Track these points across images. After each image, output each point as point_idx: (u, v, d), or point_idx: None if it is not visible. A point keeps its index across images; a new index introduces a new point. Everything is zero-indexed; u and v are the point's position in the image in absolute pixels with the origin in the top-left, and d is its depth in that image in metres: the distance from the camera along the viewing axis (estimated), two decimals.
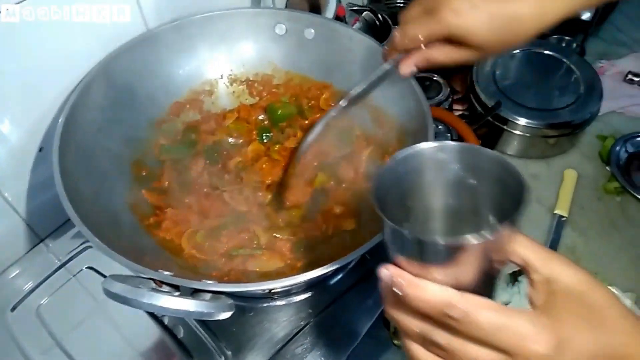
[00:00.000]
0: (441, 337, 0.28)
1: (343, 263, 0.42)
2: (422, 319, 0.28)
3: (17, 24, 0.49)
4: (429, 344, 0.28)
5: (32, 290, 0.59)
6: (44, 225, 0.64)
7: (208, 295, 0.42)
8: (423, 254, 0.28)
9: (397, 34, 0.48)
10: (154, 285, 0.43)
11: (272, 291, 0.53)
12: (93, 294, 0.58)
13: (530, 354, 0.26)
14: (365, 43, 0.62)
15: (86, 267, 0.60)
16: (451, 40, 0.45)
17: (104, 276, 0.59)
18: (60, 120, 0.51)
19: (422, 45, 0.47)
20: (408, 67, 0.49)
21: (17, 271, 0.61)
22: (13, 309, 0.57)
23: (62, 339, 0.55)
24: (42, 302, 0.58)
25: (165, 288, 0.43)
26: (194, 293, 0.43)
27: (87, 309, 0.57)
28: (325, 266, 0.41)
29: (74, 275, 0.59)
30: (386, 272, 0.29)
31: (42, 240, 0.64)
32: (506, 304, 0.70)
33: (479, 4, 0.43)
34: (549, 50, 0.94)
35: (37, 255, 0.62)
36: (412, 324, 0.29)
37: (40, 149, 0.59)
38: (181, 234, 0.55)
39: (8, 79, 0.52)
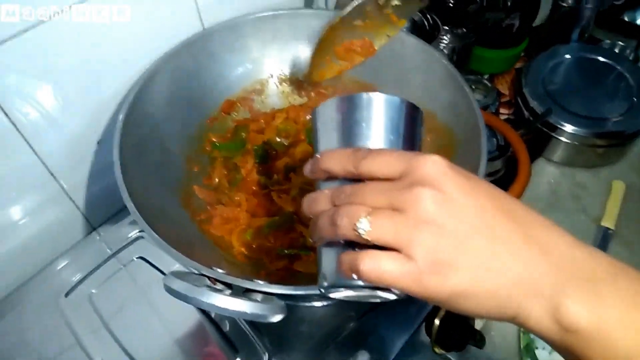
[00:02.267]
0: (346, 188, 0.29)
1: None
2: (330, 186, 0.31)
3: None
4: (336, 202, 0.30)
5: (84, 278, 0.61)
6: (97, 215, 0.66)
7: (259, 296, 0.43)
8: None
9: None
10: (208, 282, 0.44)
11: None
12: (142, 284, 0.60)
13: (426, 166, 0.27)
14: (417, 46, 0.62)
15: (137, 257, 0.62)
16: None
17: (154, 266, 0.60)
18: (120, 116, 0.53)
19: None
20: None
21: (71, 258, 0.63)
22: (67, 294, 0.60)
23: (112, 325, 0.57)
24: (93, 290, 0.60)
25: (219, 286, 0.44)
26: (246, 292, 0.44)
27: (136, 299, 0.59)
28: None
29: (125, 265, 0.61)
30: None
31: (94, 229, 0.66)
32: None
33: None
34: (601, 56, 0.92)
35: (89, 244, 0.64)
36: (324, 192, 0.31)
37: (98, 142, 0.61)
38: (231, 231, 0.56)
39: (69, 73, 0.54)
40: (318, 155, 0.32)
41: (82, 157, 0.61)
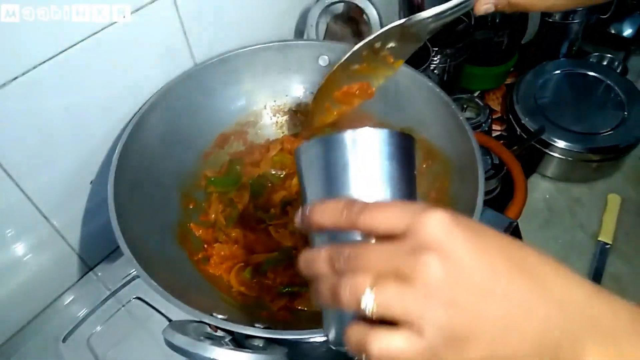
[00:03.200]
0: (345, 249, 0.27)
1: None
2: (328, 242, 0.30)
3: (65, 62, 0.50)
4: (336, 266, 0.28)
5: (82, 320, 0.60)
6: (92, 254, 0.66)
7: (262, 342, 0.43)
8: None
9: None
10: (208, 329, 0.43)
11: None
12: (143, 323, 0.59)
13: (430, 226, 0.26)
14: (407, 74, 0.61)
15: (134, 298, 0.61)
16: None
17: (153, 307, 0.59)
18: (114, 157, 0.52)
19: None
20: (486, 3, 0.48)
21: (68, 300, 0.62)
22: (64, 339, 0.58)
23: None
24: (93, 331, 0.59)
25: (219, 332, 0.44)
26: (247, 337, 0.43)
27: (137, 337, 0.58)
28: None
29: (124, 305, 0.60)
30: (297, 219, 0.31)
31: (91, 269, 0.65)
32: None
33: None
34: (590, 71, 0.92)
35: (86, 285, 0.64)
36: (321, 253, 0.29)
37: (91, 182, 0.61)
38: (229, 270, 0.55)
39: (57, 114, 0.53)
40: (307, 206, 0.30)
41: (74, 197, 0.61)
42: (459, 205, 0.55)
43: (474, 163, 0.53)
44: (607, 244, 0.80)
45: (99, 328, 0.59)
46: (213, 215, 0.60)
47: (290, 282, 0.55)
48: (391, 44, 0.56)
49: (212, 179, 0.62)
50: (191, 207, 0.60)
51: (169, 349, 0.56)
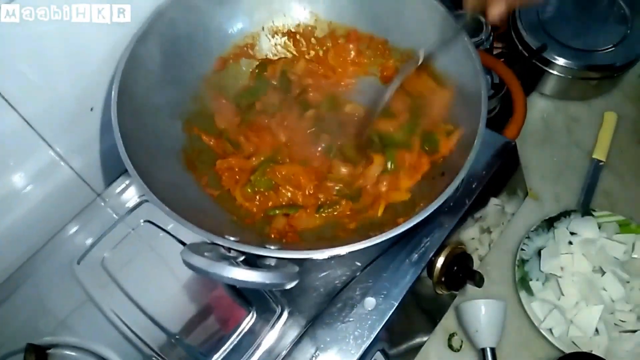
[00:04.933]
0: None
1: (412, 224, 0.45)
2: None
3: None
4: None
5: (94, 243, 0.62)
6: (98, 180, 0.67)
7: (273, 260, 0.45)
8: None
9: None
10: (222, 250, 0.46)
11: None
12: (153, 245, 0.62)
13: None
14: None
15: (144, 221, 0.63)
16: None
17: (162, 229, 0.62)
18: (115, 82, 0.52)
19: None
20: (497, 6, 0.44)
21: (77, 226, 0.64)
22: (79, 261, 0.61)
23: (125, 284, 0.59)
24: (105, 255, 0.61)
25: (232, 253, 0.46)
26: (259, 258, 0.45)
27: (148, 259, 0.61)
28: (396, 228, 0.45)
29: (133, 229, 0.62)
30: None
31: (98, 195, 0.67)
32: (540, 250, 0.72)
33: None
34: None
35: (94, 210, 0.65)
36: None
37: (91, 109, 0.60)
38: (236, 182, 0.58)
39: (52, 37, 0.52)
40: None
41: (76, 123, 0.60)
42: (460, 127, 0.56)
43: (477, 85, 0.53)
44: (601, 161, 0.82)
45: (110, 251, 0.61)
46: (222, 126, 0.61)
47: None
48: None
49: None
50: (195, 132, 0.60)
51: (178, 269, 0.60)
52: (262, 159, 0.60)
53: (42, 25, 0.50)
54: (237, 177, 0.59)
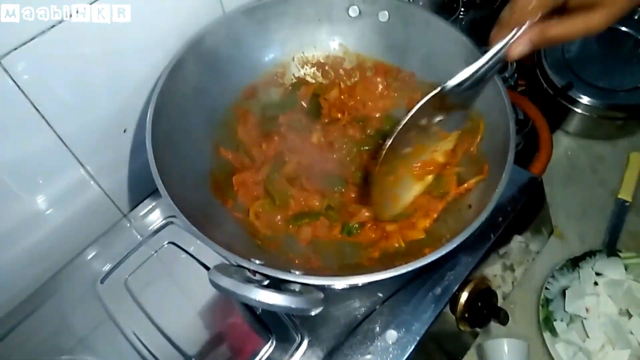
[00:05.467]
0: None
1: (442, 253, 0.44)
2: None
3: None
4: None
5: (117, 264, 0.62)
6: (125, 201, 0.68)
7: (297, 286, 0.45)
8: None
9: (506, 8, 0.44)
10: (247, 273, 0.46)
11: None
12: (175, 268, 0.62)
13: None
14: (442, 29, 0.60)
15: (167, 243, 0.63)
16: (566, 7, 0.42)
17: (185, 251, 0.62)
18: (150, 105, 0.53)
19: (537, 16, 0.42)
20: (520, 45, 0.43)
21: (102, 246, 0.65)
22: (102, 281, 0.61)
23: (146, 306, 0.59)
24: (127, 276, 0.61)
25: (257, 276, 0.46)
26: (283, 282, 0.45)
27: (170, 283, 0.62)
28: (421, 259, 0.44)
29: (156, 252, 0.63)
30: None
31: (124, 216, 0.68)
32: (565, 289, 0.71)
33: None
34: (620, 25, 0.90)
35: (120, 231, 0.66)
36: None
37: (125, 130, 0.62)
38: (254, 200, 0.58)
39: (93, 61, 0.54)
40: None
41: (108, 143, 0.62)
42: (488, 162, 0.56)
43: (505, 120, 0.53)
44: (627, 201, 0.81)
45: (134, 272, 0.62)
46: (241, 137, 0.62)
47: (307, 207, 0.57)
48: (438, 118, 0.53)
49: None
50: (222, 154, 0.61)
51: (199, 292, 0.60)
52: (270, 167, 0.60)
53: (86, 47, 0.52)
54: (254, 192, 0.60)
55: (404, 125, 0.50)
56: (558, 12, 0.43)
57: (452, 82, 0.48)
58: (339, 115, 0.66)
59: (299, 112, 0.65)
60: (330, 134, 0.63)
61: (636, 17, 0.96)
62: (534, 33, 0.43)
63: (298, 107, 0.66)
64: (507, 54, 0.45)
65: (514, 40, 0.44)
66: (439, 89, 0.48)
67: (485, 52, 0.46)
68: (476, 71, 0.47)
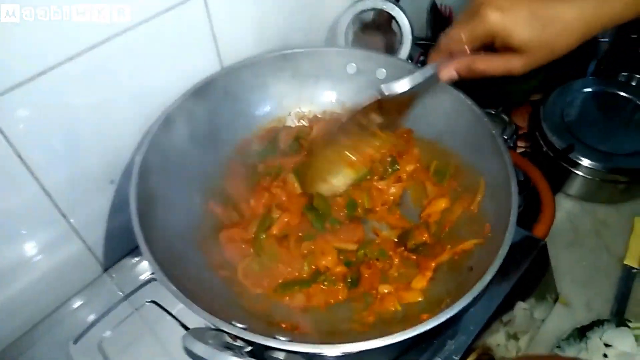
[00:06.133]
0: None
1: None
2: None
3: (92, 60, 0.50)
4: None
5: (94, 322, 0.58)
6: (108, 255, 0.65)
7: (282, 354, 0.41)
8: None
9: (441, 35, 0.50)
10: (227, 338, 0.42)
11: None
12: (155, 329, 0.58)
13: None
14: (440, 87, 0.60)
15: (148, 301, 0.60)
16: (494, 46, 0.47)
17: (167, 312, 0.58)
18: (138, 157, 0.52)
19: (467, 50, 0.48)
20: (449, 71, 0.50)
21: (81, 302, 0.61)
22: (76, 341, 0.57)
23: None
24: (104, 334, 0.57)
25: (239, 342, 0.42)
26: (267, 349, 0.42)
27: (148, 343, 0.57)
28: (419, 326, 0.41)
29: (137, 309, 0.59)
30: None
31: (106, 270, 0.64)
32: None
33: (521, 1, 0.45)
34: (619, 90, 0.90)
35: (100, 286, 0.63)
36: None
37: (111, 182, 0.60)
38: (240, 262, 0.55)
39: (82, 111, 0.53)
40: None
41: (93, 196, 0.60)
42: (489, 222, 0.54)
43: (506, 180, 0.52)
44: (634, 268, 0.77)
45: (110, 332, 0.58)
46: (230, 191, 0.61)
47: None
48: (377, 120, 0.60)
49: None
50: (210, 207, 0.59)
51: (179, 354, 0.55)
52: (257, 224, 0.58)
53: (77, 98, 0.51)
54: (243, 250, 0.57)
55: (348, 119, 0.59)
56: (488, 49, 0.49)
57: (390, 93, 0.52)
58: None
59: (279, 157, 0.64)
60: None
61: (634, 83, 0.97)
62: (462, 63, 0.49)
63: (279, 152, 0.65)
64: (439, 76, 0.51)
65: (444, 66, 0.50)
66: (379, 97, 0.54)
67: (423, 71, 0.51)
68: (412, 87, 0.52)
